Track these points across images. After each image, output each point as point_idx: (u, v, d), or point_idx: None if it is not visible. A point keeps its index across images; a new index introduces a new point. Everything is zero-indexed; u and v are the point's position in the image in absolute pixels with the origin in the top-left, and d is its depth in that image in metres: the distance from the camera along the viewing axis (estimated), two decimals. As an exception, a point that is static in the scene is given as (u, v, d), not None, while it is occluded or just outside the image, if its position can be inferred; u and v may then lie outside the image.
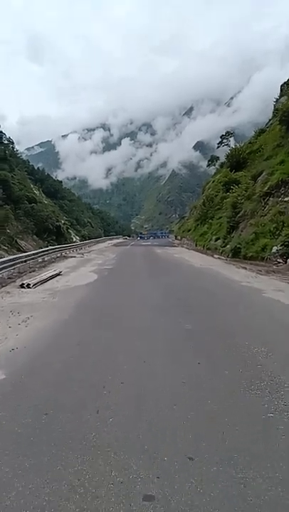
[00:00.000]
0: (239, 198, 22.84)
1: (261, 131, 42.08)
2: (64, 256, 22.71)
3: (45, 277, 12.71)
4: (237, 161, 36.81)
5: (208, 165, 73.23)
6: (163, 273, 14.27)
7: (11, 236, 40.02)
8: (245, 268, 14.88)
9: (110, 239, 63.22)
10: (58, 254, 22.86)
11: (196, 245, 32.16)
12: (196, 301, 8.68)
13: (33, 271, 15.17)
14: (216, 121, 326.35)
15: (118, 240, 61.35)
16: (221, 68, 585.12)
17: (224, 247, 23.39)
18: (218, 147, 70.03)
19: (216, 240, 26.50)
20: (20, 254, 18.33)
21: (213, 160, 70.85)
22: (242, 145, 39.88)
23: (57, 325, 6.65)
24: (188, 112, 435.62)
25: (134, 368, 4.34)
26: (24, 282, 11.43)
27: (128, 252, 29.43)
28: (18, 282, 11.85)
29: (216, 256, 23.36)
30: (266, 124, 46.46)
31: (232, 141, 62.18)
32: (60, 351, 5.14)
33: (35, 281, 11.67)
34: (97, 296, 10.18)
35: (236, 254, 20.15)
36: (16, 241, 39.34)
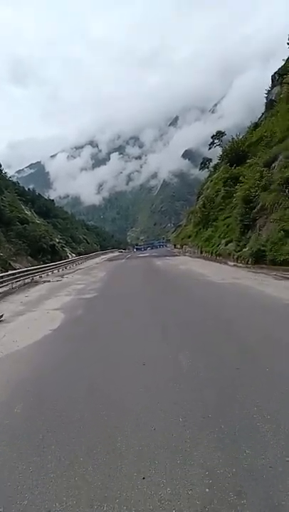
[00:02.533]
0: (252, 191, 18.60)
1: (256, 125, 39.00)
2: (35, 281, 16.83)
3: None
4: (237, 155, 32.89)
5: (201, 168, 69.98)
6: (174, 301, 8.61)
7: (3, 259, 38.10)
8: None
9: (104, 253, 58.18)
10: (28, 280, 17.10)
11: (201, 252, 27.78)
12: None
13: None
14: (202, 129, 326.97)
15: (113, 254, 56.62)
16: (203, 76, 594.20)
17: (239, 251, 19.04)
18: (209, 148, 66.97)
19: (227, 243, 22.14)
20: None
21: (205, 163, 67.58)
22: (240, 138, 35.94)
23: None
24: (174, 121, 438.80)
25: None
26: None
27: (122, 268, 24.88)
28: None
29: (230, 263, 18.96)
30: (259, 118, 43.63)
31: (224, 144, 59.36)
32: None
33: None
34: (43, 383, 4.34)
35: (260, 260, 15.78)
36: (9, 263, 38.07)
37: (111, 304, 9.02)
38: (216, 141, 63.77)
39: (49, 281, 16.05)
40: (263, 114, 43.90)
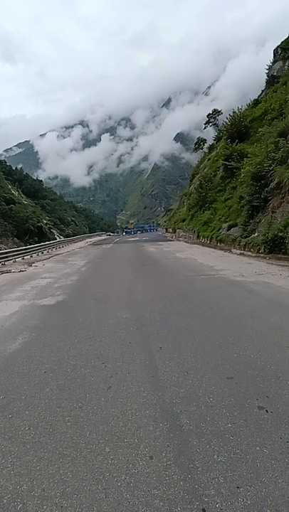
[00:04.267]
0: (265, 165, 15.50)
1: (256, 102, 35.88)
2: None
3: None
4: (238, 131, 29.62)
5: (195, 149, 66.01)
6: (195, 328, 4.80)
7: None
8: None
9: (89, 236, 54.22)
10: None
11: (198, 237, 24.78)
12: None
13: None
14: (195, 111, 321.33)
15: (100, 238, 52.73)
16: (196, 59, 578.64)
17: (246, 237, 16.12)
18: (204, 128, 63.17)
19: (230, 228, 19.16)
20: None
21: (199, 143, 63.91)
22: (242, 111, 32.54)
23: None
24: (167, 103, 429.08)
25: None
26: None
27: (108, 255, 20.38)
28: None
29: (235, 251, 16.04)
30: (259, 95, 40.68)
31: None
32: None
33: None
34: None
35: (275, 248, 12.91)
36: None
37: (81, 321, 5.37)
38: (211, 119, 60.03)
39: (10, 271, 12.55)
40: (263, 91, 40.95)
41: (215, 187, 29.72)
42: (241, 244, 16.17)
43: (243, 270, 9.63)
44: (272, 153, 15.48)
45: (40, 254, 20.83)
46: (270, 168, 15.30)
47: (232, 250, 16.67)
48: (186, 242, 27.80)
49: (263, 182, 15.81)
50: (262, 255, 13.32)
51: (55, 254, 20.26)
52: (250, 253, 14.54)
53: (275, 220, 14.25)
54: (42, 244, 24.72)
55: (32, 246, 23.28)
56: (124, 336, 4.51)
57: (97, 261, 16.19)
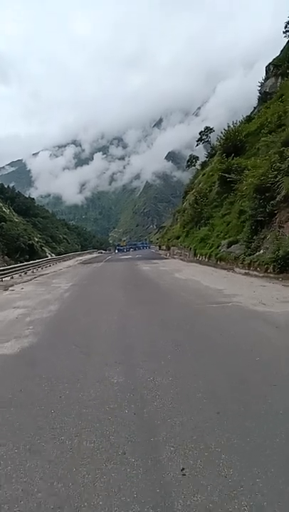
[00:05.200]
0: (270, 176, 14.15)
1: (249, 118, 35.54)
2: None
3: None
4: (234, 145, 28.70)
5: (188, 165, 65.89)
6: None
7: None
8: None
9: (80, 254, 51.93)
10: None
11: (195, 255, 23.21)
12: None
13: None
14: (185, 131, 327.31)
15: (91, 256, 50.53)
16: (186, 80, 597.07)
17: (250, 254, 14.58)
18: (197, 145, 63.45)
19: (230, 244, 17.65)
20: None
21: (191, 160, 63.73)
22: (237, 127, 31.89)
23: None
24: (158, 123, 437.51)
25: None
26: None
27: (97, 275, 18.46)
28: None
29: (239, 270, 14.44)
30: (252, 112, 40.67)
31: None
32: None
33: None
34: None
35: (287, 267, 11.35)
36: None
37: (47, 394, 3.48)
38: (204, 137, 60.04)
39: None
40: (255, 107, 40.96)
41: (211, 202, 28.55)
42: (245, 262, 14.60)
43: (259, 296, 7.94)
44: (278, 164, 14.17)
45: (22, 275, 18.65)
46: (276, 180, 13.96)
47: (235, 269, 15.07)
48: (181, 260, 26.22)
49: (267, 195, 14.42)
50: (272, 275, 11.73)
51: (40, 275, 18.21)
52: (256, 273, 12.94)
53: (283, 236, 12.77)
54: (25, 264, 22.83)
55: (13, 266, 20.98)
56: (114, 437, 2.58)
57: (84, 283, 14.39)
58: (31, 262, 24.19)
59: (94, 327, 6.17)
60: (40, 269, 22.70)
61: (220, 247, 18.99)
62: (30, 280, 15.84)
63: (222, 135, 31.26)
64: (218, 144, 32.12)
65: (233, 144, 28.41)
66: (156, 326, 6.00)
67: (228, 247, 17.88)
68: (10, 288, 12.69)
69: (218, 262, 17.78)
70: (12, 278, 17.46)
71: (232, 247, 17.57)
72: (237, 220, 19.52)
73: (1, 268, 18.27)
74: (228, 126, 31.53)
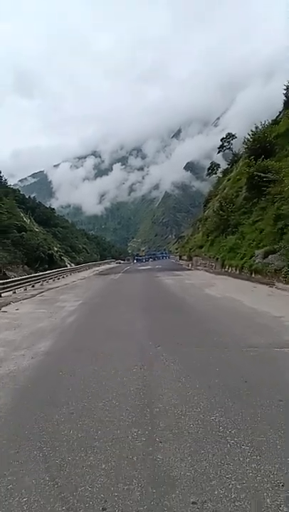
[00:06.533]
0: None
1: (275, 122, 33.39)
2: None
3: None
4: (263, 147, 26.54)
5: (209, 174, 63.81)
6: None
7: None
8: None
9: (98, 264, 49.87)
10: None
11: (223, 266, 20.84)
12: None
13: None
14: (204, 142, 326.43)
15: (109, 266, 48.24)
16: (205, 91, 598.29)
17: (296, 266, 12.16)
18: (218, 152, 61.39)
19: (267, 255, 15.21)
20: None
21: (212, 168, 61.72)
22: (265, 128, 29.84)
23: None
24: (177, 134, 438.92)
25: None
26: None
27: (113, 290, 16.25)
28: None
29: (283, 286, 12.03)
30: (277, 116, 38.66)
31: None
32: None
33: None
34: None
35: None
36: (4, 272, 34.34)
37: None
38: (225, 144, 58.00)
39: None
40: (280, 112, 38.95)
41: (238, 209, 26.26)
42: (289, 276, 12.20)
43: None
44: None
45: (29, 288, 16.71)
46: None
47: (275, 283, 12.68)
48: (206, 271, 23.86)
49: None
50: None
51: (48, 289, 16.18)
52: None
53: None
54: (32, 276, 20.26)
55: (18, 278, 18.27)
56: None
57: (95, 301, 12.17)
58: (41, 273, 21.74)
59: (98, 395, 3.87)
60: (51, 281, 20.72)
61: (254, 258, 16.59)
62: (35, 296, 13.84)
63: (249, 136, 29.17)
64: (245, 146, 29.97)
65: (262, 146, 26.31)
66: (201, 394, 3.67)
67: (264, 258, 15.46)
68: (3, 308, 10.56)
69: (253, 275, 15.37)
70: (14, 293, 15.26)
71: (269, 257, 15.15)
72: (272, 227, 17.13)
73: (1, 282, 15.39)
74: (256, 127, 29.51)
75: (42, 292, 15.31)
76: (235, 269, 18.17)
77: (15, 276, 27.85)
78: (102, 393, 3.86)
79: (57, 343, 6.32)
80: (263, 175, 20.03)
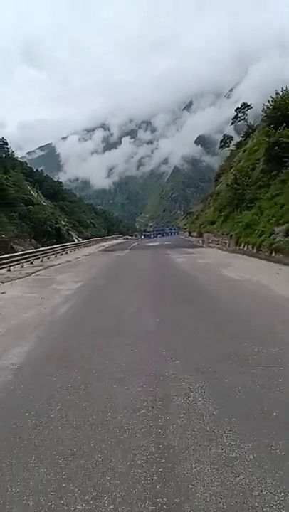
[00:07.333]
0: None
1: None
2: None
3: None
4: (284, 115, 24.42)
5: (221, 146, 61.03)
6: None
7: (5, 241, 34.42)
8: None
9: (104, 240, 48.39)
10: None
11: (237, 244, 19.49)
12: None
13: None
14: (216, 114, 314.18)
15: (116, 242, 46.80)
16: (218, 62, 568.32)
17: None
18: (232, 123, 58.64)
19: (289, 232, 13.83)
20: None
21: (225, 140, 58.86)
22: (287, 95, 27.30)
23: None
24: (188, 106, 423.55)
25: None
26: None
27: (119, 269, 14.86)
28: None
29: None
30: None
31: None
32: None
33: None
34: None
35: None
36: (11, 246, 33.44)
37: None
38: (240, 114, 54.93)
39: None
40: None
41: (254, 182, 24.54)
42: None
43: None
44: None
45: (26, 265, 15.41)
46: None
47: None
48: (219, 249, 22.56)
49: None
50: None
51: (48, 266, 14.88)
52: None
53: None
54: (31, 251, 18.65)
55: (13, 254, 16.46)
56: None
57: (98, 283, 10.65)
58: (40, 249, 20.32)
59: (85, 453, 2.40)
60: (53, 257, 19.39)
61: (274, 235, 15.20)
62: (30, 275, 12.47)
63: (269, 104, 26.85)
64: (264, 114, 27.68)
65: (283, 114, 24.14)
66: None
67: (286, 236, 14.09)
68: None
69: (273, 255, 14.05)
70: (9, 270, 13.66)
71: (292, 234, 13.79)
72: (295, 202, 15.68)
73: (15, 255, 14.55)
74: (276, 94, 27.12)
75: (39, 270, 13.99)
76: (252, 248, 16.83)
77: (22, 250, 26.86)
78: (87, 474, 2.21)
79: (37, 350, 4.72)
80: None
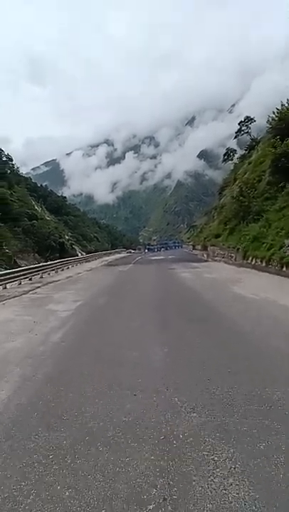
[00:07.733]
0: None
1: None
2: None
3: None
4: (289, 126, 24.03)
5: (224, 160, 61.06)
6: None
7: (9, 255, 34.49)
8: None
9: (108, 254, 47.67)
10: None
11: (244, 257, 18.67)
12: None
13: None
14: (219, 129, 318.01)
15: (119, 256, 45.93)
16: (220, 77, 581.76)
17: None
18: (235, 137, 58.76)
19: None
20: None
21: (229, 154, 58.92)
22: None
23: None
24: (191, 121, 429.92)
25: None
26: None
27: (121, 287, 13.58)
28: None
29: None
30: None
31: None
32: None
33: None
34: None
35: None
36: (14, 261, 33.91)
37: None
38: (243, 127, 55.09)
39: None
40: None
41: (261, 194, 23.93)
42: None
43: None
44: None
45: (24, 282, 14.58)
46: None
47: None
48: (225, 262, 21.73)
49: None
50: None
51: (47, 283, 14.04)
52: None
53: None
54: (30, 267, 17.55)
55: (14, 270, 15.51)
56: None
57: (98, 303, 9.64)
58: (39, 265, 19.28)
59: None
60: (53, 272, 18.55)
61: (284, 249, 14.40)
62: (27, 293, 11.62)
63: (274, 115, 26.57)
64: (269, 126, 27.36)
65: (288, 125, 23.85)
66: None
67: (298, 249, 13.29)
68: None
69: (285, 269, 13.21)
70: (5, 288, 12.86)
71: (304, 248, 12.99)
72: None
73: (13, 271, 13.66)
74: (282, 105, 26.88)
75: (37, 288, 13.08)
76: (261, 261, 15.99)
77: (26, 265, 26.17)
78: None
79: (18, 396, 3.76)
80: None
